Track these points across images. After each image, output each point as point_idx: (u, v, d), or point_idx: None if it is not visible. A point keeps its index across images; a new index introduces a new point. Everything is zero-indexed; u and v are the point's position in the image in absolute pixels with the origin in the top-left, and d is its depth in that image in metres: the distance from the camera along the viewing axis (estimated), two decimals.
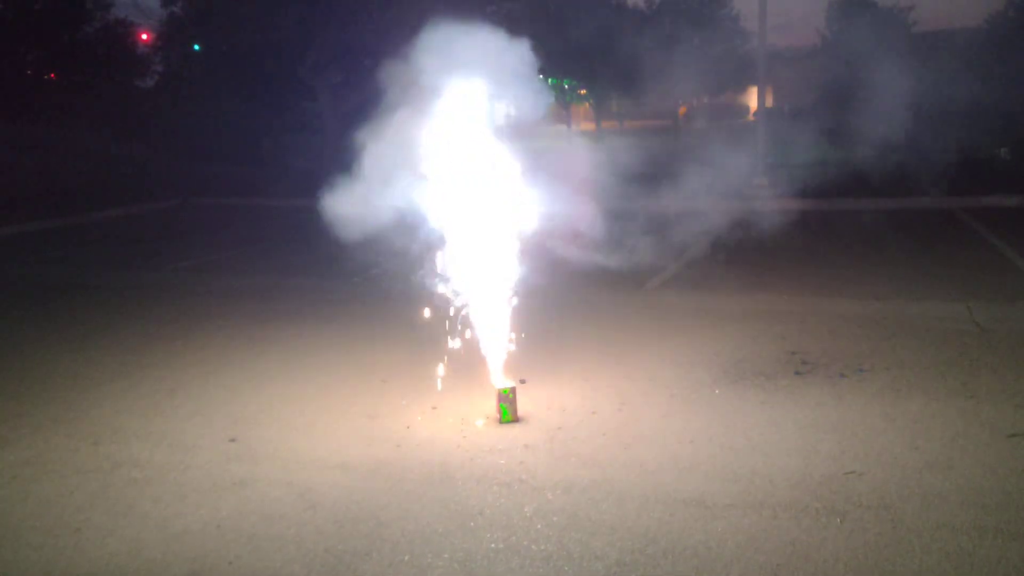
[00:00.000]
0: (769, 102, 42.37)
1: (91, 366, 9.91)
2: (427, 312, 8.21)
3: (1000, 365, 8.90)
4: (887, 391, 8.28)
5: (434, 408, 8.18)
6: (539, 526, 5.93)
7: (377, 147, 7.72)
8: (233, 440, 7.63)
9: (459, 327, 8.26)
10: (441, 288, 8.10)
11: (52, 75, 34.71)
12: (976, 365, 8.91)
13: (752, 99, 42.01)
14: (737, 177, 24.28)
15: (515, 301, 8.19)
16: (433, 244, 8.01)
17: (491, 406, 7.91)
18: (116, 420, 8.21)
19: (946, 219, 18.83)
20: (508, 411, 7.78)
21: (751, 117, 42.33)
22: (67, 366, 9.94)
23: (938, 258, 14.30)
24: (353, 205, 7.95)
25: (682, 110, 42.00)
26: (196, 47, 35.11)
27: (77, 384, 9.28)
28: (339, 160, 8.22)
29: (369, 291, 11.09)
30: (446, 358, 8.50)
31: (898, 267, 13.78)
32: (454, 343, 8.31)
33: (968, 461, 6.72)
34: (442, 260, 7.99)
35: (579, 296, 9.80)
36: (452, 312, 8.18)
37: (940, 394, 8.13)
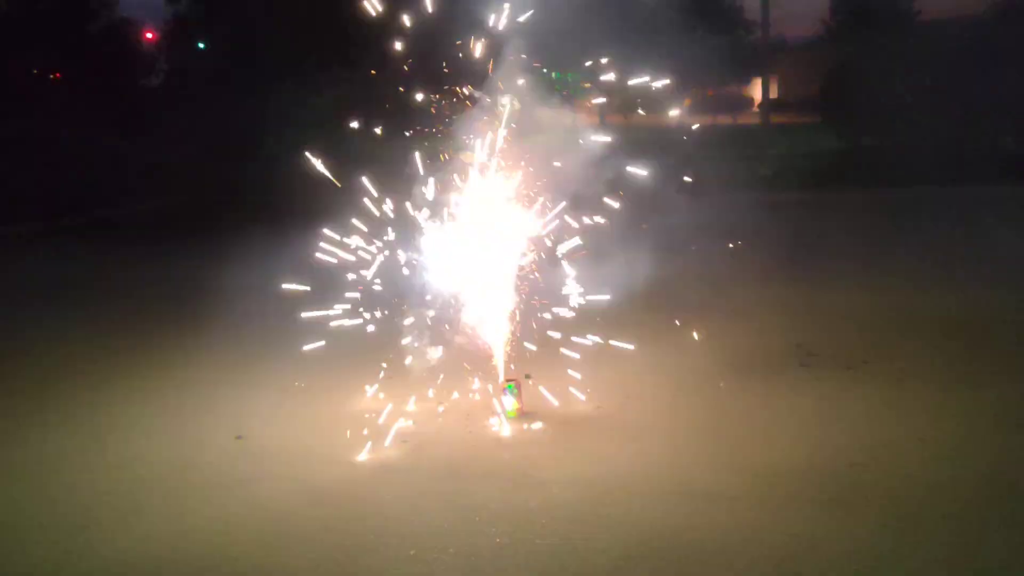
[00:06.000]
0: (774, 93, 42.23)
1: (100, 363, 9.96)
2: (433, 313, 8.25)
3: (1005, 354, 8.88)
4: (892, 382, 8.26)
5: (440, 404, 8.20)
6: (544, 520, 5.94)
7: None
8: (240, 437, 7.66)
9: (466, 324, 8.28)
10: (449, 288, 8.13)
11: (58, 74, 34.76)
12: (981, 354, 8.89)
13: (756, 90, 41.83)
14: (740, 168, 24.24)
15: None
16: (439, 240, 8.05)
17: (496, 401, 7.92)
18: (124, 418, 8.25)
19: (951, 207, 18.75)
20: (513, 406, 7.79)
21: (755, 108, 42.17)
22: (76, 364, 9.99)
23: (944, 247, 14.25)
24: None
25: (686, 102, 41.82)
26: (201, 45, 35.09)
27: (86, 382, 9.32)
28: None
29: (375, 290, 11.05)
30: (451, 355, 8.51)
31: (903, 256, 13.74)
32: (460, 340, 8.33)
33: (974, 452, 6.71)
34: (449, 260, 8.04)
35: (581, 290, 9.77)
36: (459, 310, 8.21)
37: (946, 384, 8.11)
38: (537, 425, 7.62)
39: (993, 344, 9.27)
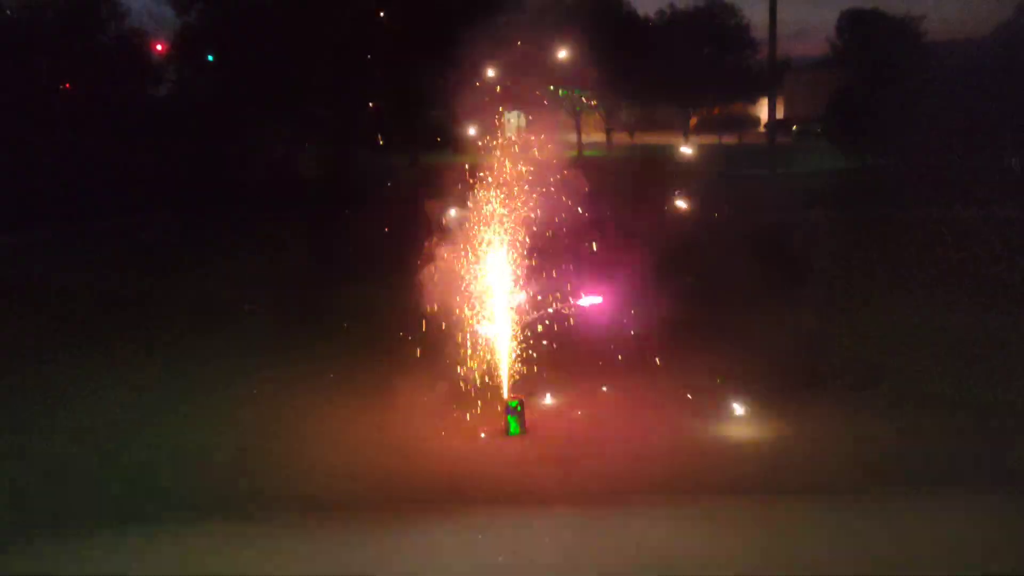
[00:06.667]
0: (780, 113, 42.28)
1: (103, 373, 9.91)
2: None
3: (1013, 376, 8.83)
4: (899, 403, 8.21)
5: (443, 420, 8.14)
6: (547, 540, 5.91)
7: None
8: (243, 449, 7.63)
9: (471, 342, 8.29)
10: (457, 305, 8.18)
11: (67, 84, 34.87)
12: (989, 376, 8.85)
13: (762, 110, 41.81)
14: (746, 187, 24.20)
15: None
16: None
17: (500, 419, 7.89)
18: (127, 428, 8.20)
19: (958, 228, 18.69)
20: (516, 424, 7.76)
21: (761, 129, 42.17)
22: (79, 373, 9.93)
23: (950, 268, 14.20)
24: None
25: (692, 121, 41.91)
26: (210, 57, 35.24)
27: (88, 392, 9.28)
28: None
29: (385, 305, 11.07)
30: (456, 370, 8.49)
31: (911, 276, 13.68)
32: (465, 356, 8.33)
33: (981, 473, 6.67)
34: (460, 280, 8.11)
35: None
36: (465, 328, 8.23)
37: (952, 407, 8.06)
38: (540, 443, 7.59)
39: (1002, 364, 9.23)
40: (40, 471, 7.24)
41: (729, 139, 39.28)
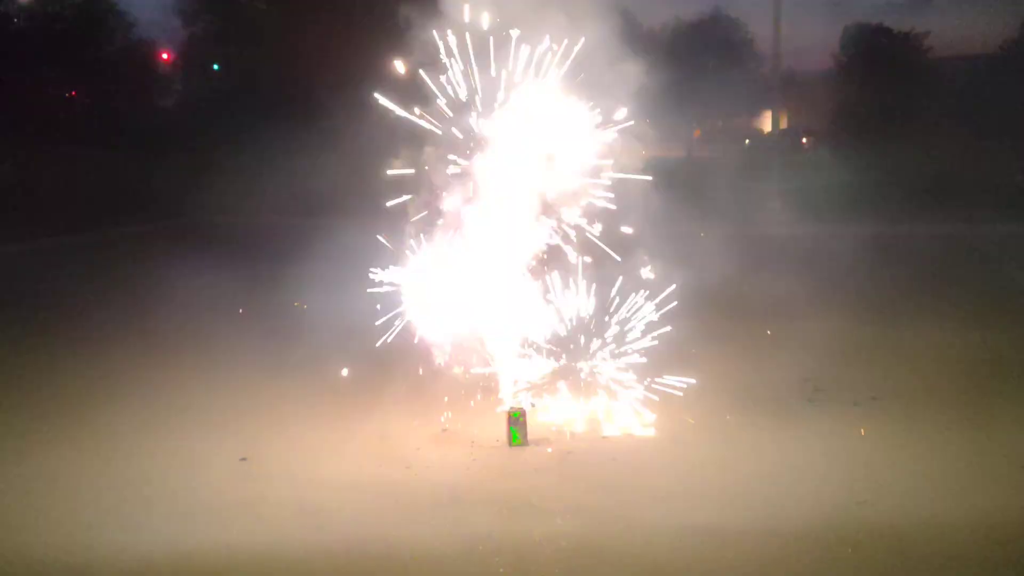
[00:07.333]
0: (783, 125, 42.32)
1: (106, 383, 9.94)
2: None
3: (1015, 394, 8.83)
4: (900, 419, 8.21)
5: (444, 430, 8.17)
6: (548, 551, 5.90)
7: None
8: (244, 459, 7.63)
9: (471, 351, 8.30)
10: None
11: (73, 92, 35.01)
12: (990, 394, 8.85)
13: (766, 122, 41.86)
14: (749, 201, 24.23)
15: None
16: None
17: (501, 429, 7.89)
18: (129, 437, 8.22)
19: (956, 243, 18.71)
20: (518, 434, 7.76)
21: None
22: (82, 382, 9.97)
23: (953, 284, 14.22)
24: None
25: (696, 133, 41.98)
26: (216, 66, 35.44)
27: (91, 401, 9.30)
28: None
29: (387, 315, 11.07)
30: (458, 381, 8.51)
31: (911, 292, 13.70)
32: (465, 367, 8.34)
33: (980, 492, 6.65)
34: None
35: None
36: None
37: (953, 423, 8.06)
38: (542, 454, 7.59)
39: (999, 382, 9.24)
40: None
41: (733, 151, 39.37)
